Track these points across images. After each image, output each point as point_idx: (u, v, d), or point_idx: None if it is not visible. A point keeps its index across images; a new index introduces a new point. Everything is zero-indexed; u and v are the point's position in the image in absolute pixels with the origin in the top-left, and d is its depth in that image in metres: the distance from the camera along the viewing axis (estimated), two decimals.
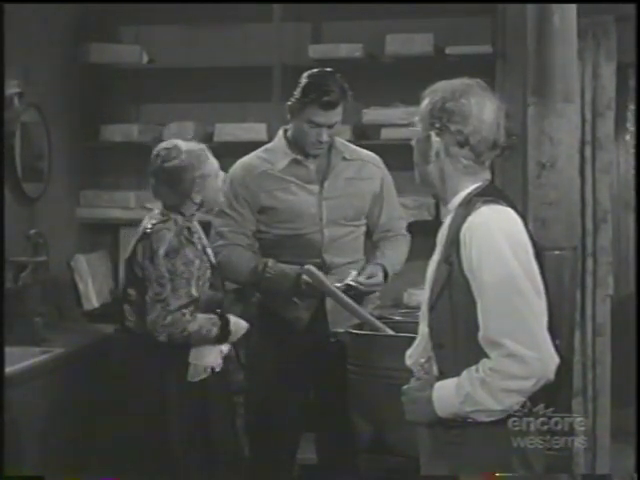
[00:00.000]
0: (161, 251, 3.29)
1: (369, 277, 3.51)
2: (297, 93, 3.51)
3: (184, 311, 3.29)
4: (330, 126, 3.50)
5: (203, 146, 3.44)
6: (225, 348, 3.44)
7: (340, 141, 3.67)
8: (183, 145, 3.41)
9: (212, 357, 3.39)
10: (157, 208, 3.45)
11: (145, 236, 3.36)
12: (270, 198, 3.57)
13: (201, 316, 3.33)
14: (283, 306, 3.57)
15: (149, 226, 3.37)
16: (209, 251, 3.47)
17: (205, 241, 3.49)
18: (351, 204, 3.61)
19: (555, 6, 3.59)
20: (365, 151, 3.72)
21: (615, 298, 5.02)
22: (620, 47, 4.77)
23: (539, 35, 3.61)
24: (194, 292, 3.31)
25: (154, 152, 3.42)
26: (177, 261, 3.29)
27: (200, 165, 3.38)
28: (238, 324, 3.46)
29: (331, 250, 3.57)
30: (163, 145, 3.45)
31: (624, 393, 4.74)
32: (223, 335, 3.38)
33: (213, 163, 3.43)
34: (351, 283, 3.45)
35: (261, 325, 3.63)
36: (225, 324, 3.39)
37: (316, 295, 3.49)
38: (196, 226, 3.46)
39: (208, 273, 3.38)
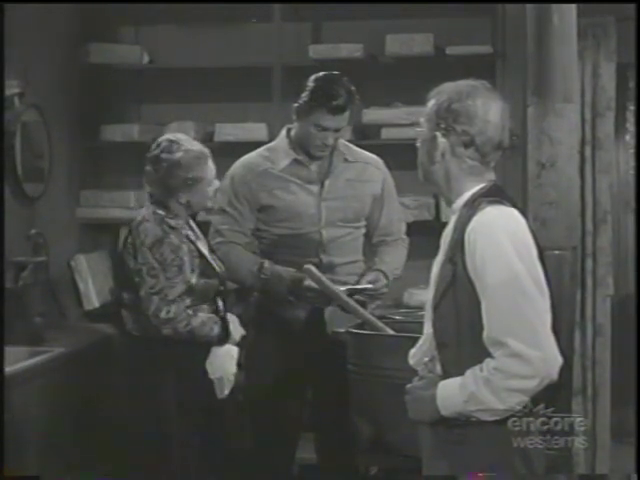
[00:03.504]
0: (146, 242, 3.25)
1: (371, 283, 3.51)
2: (305, 96, 3.49)
3: (186, 302, 3.25)
4: (337, 130, 3.50)
5: (206, 150, 3.38)
6: (235, 353, 3.39)
7: (343, 143, 3.66)
8: (186, 142, 3.36)
9: (228, 364, 3.36)
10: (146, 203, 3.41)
11: (129, 232, 3.33)
12: (270, 197, 3.57)
13: (203, 314, 3.31)
14: (280, 305, 3.57)
15: (134, 222, 3.33)
16: (199, 241, 3.41)
17: (194, 234, 3.41)
18: (350, 206, 3.61)
19: (555, 6, 3.59)
20: (367, 153, 3.71)
21: (615, 298, 5.02)
22: (620, 47, 4.78)
23: (539, 35, 3.62)
24: (189, 278, 3.27)
25: (157, 140, 3.38)
26: (164, 249, 3.25)
27: (195, 167, 3.32)
28: (236, 326, 3.42)
29: (329, 250, 3.57)
30: (168, 136, 3.41)
31: (624, 393, 4.75)
32: (224, 335, 3.35)
33: (210, 169, 3.37)
34: (355, 287, 3.46)
35: (259, 324, 3.64)
36: (226, 325, 3.36)
37: (317, 302, 3.49)
38: (180, 223, 3.35)
39: (197, 261, 3.32)
